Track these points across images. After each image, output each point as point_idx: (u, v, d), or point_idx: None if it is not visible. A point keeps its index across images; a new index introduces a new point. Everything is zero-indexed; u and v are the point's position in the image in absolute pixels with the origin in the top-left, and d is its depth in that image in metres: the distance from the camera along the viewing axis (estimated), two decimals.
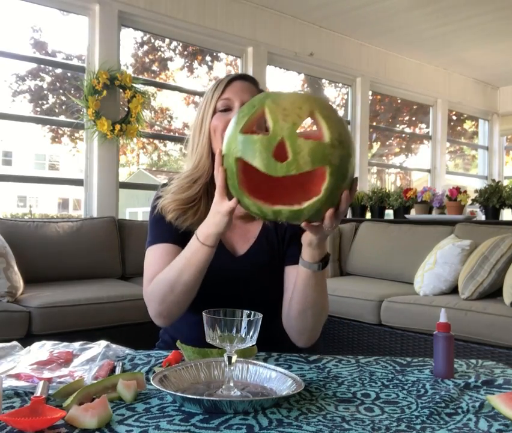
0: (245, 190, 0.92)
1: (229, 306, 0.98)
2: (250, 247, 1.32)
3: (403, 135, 8.71)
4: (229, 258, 1.30)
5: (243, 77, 1.33)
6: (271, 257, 1.32)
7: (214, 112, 1.28)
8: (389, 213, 4.91)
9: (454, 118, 8.34)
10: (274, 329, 1.27)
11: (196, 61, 7.56)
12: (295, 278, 1.17)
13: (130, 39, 7.37)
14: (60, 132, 8.49)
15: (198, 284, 1.15)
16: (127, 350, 1.18)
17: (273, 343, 1.25)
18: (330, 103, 1.02)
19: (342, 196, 0.91)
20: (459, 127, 8.95)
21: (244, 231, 1.34)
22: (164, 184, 1.36)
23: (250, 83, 1.33)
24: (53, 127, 8.22)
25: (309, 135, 0.89)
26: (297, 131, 0.88)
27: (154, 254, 1.26)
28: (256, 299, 1.25)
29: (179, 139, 5.92)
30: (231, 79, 1.30)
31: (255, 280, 1.29)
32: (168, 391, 0.85)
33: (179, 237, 1.25)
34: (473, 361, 1.19)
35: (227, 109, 1.27)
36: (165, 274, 1.17)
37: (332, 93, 8.51)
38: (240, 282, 1.28)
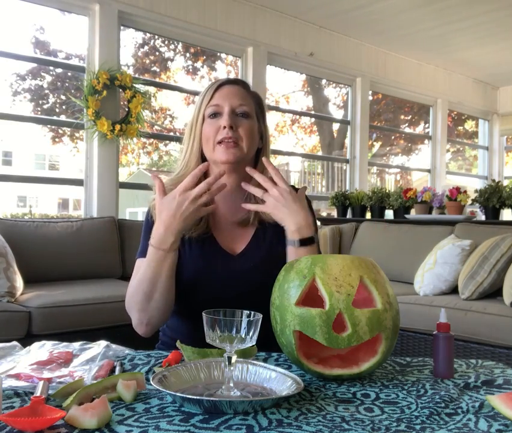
0: (303, 358, 0.98)
1: (231, 306, 0.98)
2: (247, 245, 1.33)
3: (403, 135, 8.71)
4: (227, 258, 1.31)
5: (232, 81, 1.34)
6: (269, 253, 1.33)
7: (204, 119, 1.30)
8: (389, 213, 4.91)
9: (456, 118, 8.34)
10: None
11: (199, 62, 7.56)
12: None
13: (130, 39, 7.37)
14: (60, 131, 8.49)
15: (173, 284, 1.24)
16: (127, 350, 1.18)
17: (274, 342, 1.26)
18: (371, 260, 1.04)
19: None
20: (460, 127, 8.95)
21: (239, 233, 1.35)
22: None
23: (240, 86, 1.33)
24: (53, 127, 8.20)
25: (362, 302, 0.96)
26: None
27: (137, 268, 1.34)
28: (258, 297, 1.25)
29: (179, 139, 5.93)
30: (220, 85, 1.31)
31: (255, 276, 1.30)
32: (168, 391, 0.85)
33: None
34: (473, 361, 1.19)
35: (216, 115, 1.29)
36: (138, 286, 1.24)
37: (332, 93, 8.51)
38: (240, 281, 1.28)
